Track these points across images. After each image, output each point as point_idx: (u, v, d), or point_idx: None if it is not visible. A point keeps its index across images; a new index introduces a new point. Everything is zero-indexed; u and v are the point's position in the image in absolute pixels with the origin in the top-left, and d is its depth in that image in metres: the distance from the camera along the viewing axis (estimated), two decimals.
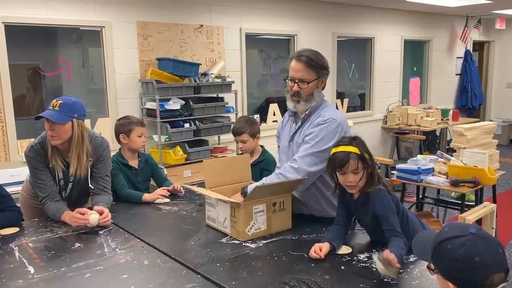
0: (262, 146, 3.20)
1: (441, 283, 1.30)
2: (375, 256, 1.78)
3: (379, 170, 2.11)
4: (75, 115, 2.42)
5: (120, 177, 2.86)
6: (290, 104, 2.38)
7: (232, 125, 4.92)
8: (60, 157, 2.49)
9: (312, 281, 1.70)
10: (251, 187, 2.32)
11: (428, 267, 1.34)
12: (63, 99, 2.42)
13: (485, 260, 1.18)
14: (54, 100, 2.41)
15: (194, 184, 3.66)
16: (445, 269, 1.25)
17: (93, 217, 2.34)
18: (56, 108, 2.37)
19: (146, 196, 2.82)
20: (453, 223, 1.35)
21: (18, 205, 2.66)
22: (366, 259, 1.92)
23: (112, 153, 2.79)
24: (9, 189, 2.66)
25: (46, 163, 2.49)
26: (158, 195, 2.83)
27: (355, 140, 2.00)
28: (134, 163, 2.99)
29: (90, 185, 2.57)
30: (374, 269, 1.81)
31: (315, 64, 2.29)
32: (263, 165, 3.05)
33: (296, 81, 2.31)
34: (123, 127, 2.92)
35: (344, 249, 2.02)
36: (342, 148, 1.97)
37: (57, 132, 2.38)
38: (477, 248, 1.19)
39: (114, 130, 3.00)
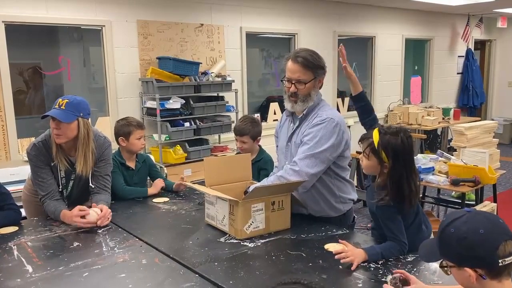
0: (259, 146, 3.20)
1: (459, 277, 1.28)
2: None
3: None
4: (81, 114, 2.43)
5: (119, 175, 2.87)
6: (287, 105, 2.37)
7: (235, 124, 4.92)
8: (64, 156, 2.51)
9: (309, 281, 1.70)
10: (252, 187, 2.32)
11: (441, 266, 1.32)
12: (69, 98, 2.43)
13: (490, 230, 1.21)
14: (60, 99, 2.42)
15: (195, 184, 3.65)
16: (456, 255, 1.25)
17: (92, 213, 2.36)
18: (62, 107, 2.38)
19: (151, 190, 2.96)
20: (448, 213, 1.35)
21: (20, 203, 2.68)
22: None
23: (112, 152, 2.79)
24: (9, 188, 2.65)
25: (47, 162, 2.50)
26: (159, 187, 2.97)
27: (388, 135, 1.89)
28: (131, 163, 3.00)
29: (90, 184, 2.57)
30: (372, 269, 1.82)
31: (312, 64, 2.28)
32: (260, 164, 3.05)
33: (293, 82, 2.29)
34: (122, 130, 2.93)
35: (336, 246, 1.99)
36: (374, 130, 1.94)
37: (63, 131, 2.40)
38: (479, 222, 1.23)
39: (113, 132, 3.01)
